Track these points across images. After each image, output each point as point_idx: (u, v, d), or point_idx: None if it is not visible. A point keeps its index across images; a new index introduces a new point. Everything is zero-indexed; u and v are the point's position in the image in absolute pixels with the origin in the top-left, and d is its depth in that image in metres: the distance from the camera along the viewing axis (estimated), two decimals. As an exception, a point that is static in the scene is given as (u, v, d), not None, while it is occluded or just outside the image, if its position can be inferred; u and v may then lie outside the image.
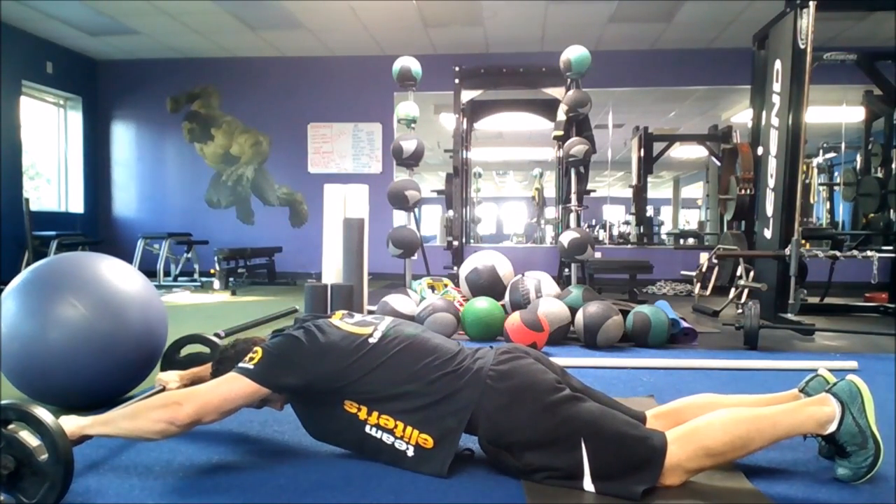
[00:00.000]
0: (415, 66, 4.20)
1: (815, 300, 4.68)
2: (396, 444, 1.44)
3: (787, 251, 3.76)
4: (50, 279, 1.89)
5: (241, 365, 1.44)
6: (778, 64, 4.10)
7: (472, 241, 8.16)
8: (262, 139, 7.56)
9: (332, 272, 3.97)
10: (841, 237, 5.94)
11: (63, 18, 6.14)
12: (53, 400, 1.94)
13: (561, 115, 4.23)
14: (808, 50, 3.77)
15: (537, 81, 5.12)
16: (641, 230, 8.33)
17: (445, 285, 4.02)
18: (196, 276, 6.71)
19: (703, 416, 1.40)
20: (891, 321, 4.14)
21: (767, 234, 4.17)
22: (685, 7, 5.73)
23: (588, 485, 1.33)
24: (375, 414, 1.44)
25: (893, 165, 4.95)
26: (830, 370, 1.57)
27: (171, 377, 1.79)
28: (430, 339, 1.55)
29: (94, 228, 7.49)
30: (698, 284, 5.52)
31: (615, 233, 9.83)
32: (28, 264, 5.81)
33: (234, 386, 1.41)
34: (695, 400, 1.55)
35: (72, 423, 1.34)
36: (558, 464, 1.35)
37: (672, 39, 6.65)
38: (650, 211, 9.89)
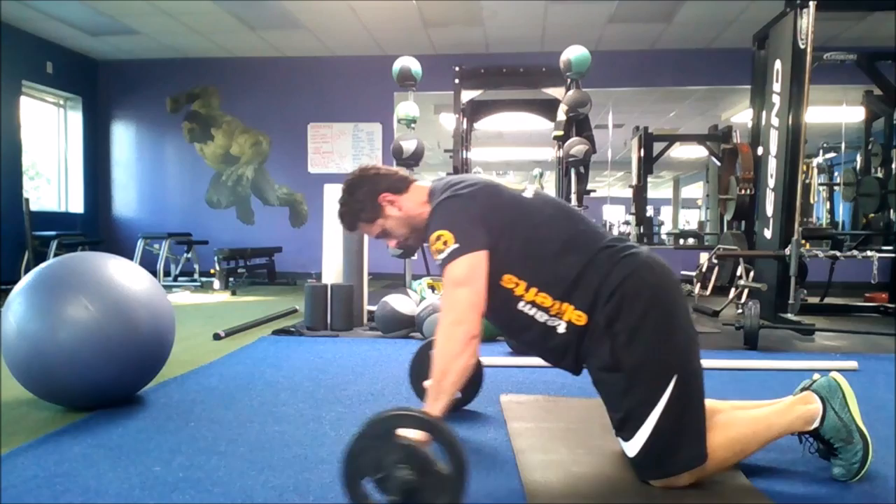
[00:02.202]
0: (415, 66, 4.19)
1: (815, 300, 4.68)
2: (549, 322, 1.39)
3: (787, 251, 3.76)
4: (60, 279, 1.88)
5: (446, 254, 1.35)
6: (778, 64, 4.10)
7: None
8: (262, 139, 7.56)
9: (332, 272, 3.97)
10: (841, 237, 5.94)
11: (63, 18, 6.14)
12: (60, 399, 1.94)
13: (561, 115, 4.23)
14: (808, 50, 3.77)
15: (537, 81, 5.11)
16: (641, 230, 8.32)
17: (445, 285, 4.01)
18: (196, 276, 6.71)
19: None
20: (891, 321, 4.13)
21: (767, 234, 4.17)
22: (685, 7, 5.73)
23: (644, 430, 1.29)
24: (534, 290, 1.39)
25: (893, 165, 4.95)
26: (830, 370, 1.58)
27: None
28: (575, 210, 1.53)
29: (94, 228, 7.48)
30: (698, 284, 5.51)
31: (615, 233, 9.81)
32: (28, 264, 5.82)
33: (464, 271, 1.34)
34: None
35: None
36: (641, 382, 1.31)
37: (672, 39, 6.64)
38: (650, 211, 9.87)
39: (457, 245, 1.35)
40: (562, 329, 1.39)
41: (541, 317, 1.39)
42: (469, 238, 1.36)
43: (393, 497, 1.11)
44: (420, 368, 1.95)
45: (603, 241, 1.42)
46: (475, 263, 1.35)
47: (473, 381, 1.97)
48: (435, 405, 1.28)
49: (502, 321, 1.46)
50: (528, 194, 1.49)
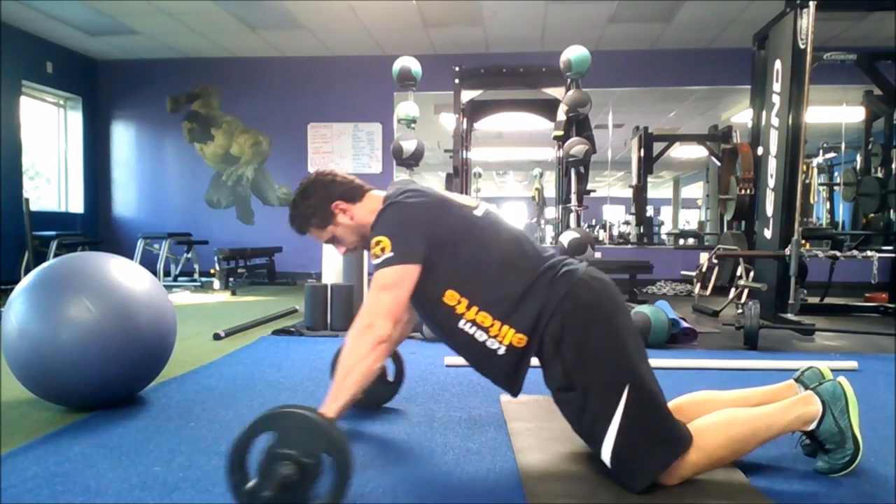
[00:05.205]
0: (415, 66, 4.19)
1: (815, 300, 4.68)
2: (488, 343, 1.40)
3: (787, 251, 3.76)
4: (62, 279, 1.88)
5: (379, 261, 1.38)
6: (778, 64, 4.10)
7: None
8: (262, 139, 7.56)
9: (332, 272, 3.97)
10: (841, 237, 5.94)
11: (63, 18, 6.14)
12: (60, 399, 1.94)
13: (561, 115, 4.23)
14: (808, 50, 3.77)
15: (537, 81, 5.12)
16: (641, 230, 8.33)
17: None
18: (196, 276, 6.71)
19: (702, 418, 1.41)
20: (891, 321, 4.14)
21: (767, 234, 4.17)
22: (685, 7, 5.73)
23: (608, 443, 1.30)
24: (475, 309, 1.40)
25: (893, 165, 4.95)
26: (830, 370, 1.58)
27: None
28: (523, 232, 1.53)
29: (94, 228, 7.48)
30: (698, 284, 5.52)
31: (615, 233, 9.83)
32: (28, 264, 5.82)
33: (393, 278, 1.36)
34: (693, 398, 1.56)
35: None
36: (595, 397, 1.33)
37: (672, 39, 6.64)
38: (650, 211, 9.88)
39: (392, 254, 1.37)
40: (502, 351, 1.40)
41: (480, 336, 1.41)
42: (405, 249, 1.38)
43: (272, 493, 1.14)
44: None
45: (545, 263, 1.44)
46: (405, 275, 1.38)
47: (396, 380, 2.05)
48: (333, 405, 1.29)
49: (445, 337, 1.49)
50: (479, 212, 1.50)
